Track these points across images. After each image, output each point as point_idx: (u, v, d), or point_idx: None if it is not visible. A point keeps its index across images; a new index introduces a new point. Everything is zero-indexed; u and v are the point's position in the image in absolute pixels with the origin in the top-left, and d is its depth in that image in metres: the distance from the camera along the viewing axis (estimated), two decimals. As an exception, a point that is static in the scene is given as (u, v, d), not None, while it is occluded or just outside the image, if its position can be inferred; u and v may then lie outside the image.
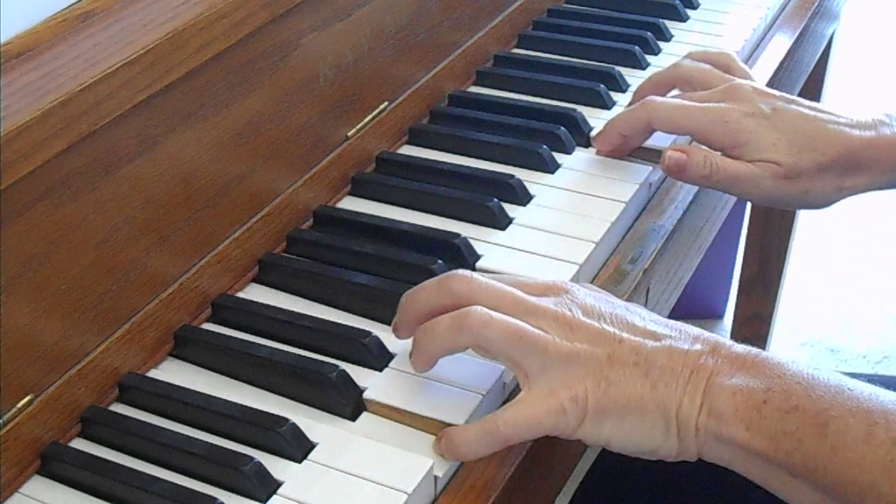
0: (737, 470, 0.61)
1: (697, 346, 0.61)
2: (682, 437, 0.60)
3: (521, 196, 0.83)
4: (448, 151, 0.91)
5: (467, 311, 0.61)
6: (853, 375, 0.78)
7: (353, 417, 0.66)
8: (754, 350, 0.61)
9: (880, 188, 0.81)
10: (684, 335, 0.62)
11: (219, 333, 0.72)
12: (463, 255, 0.77)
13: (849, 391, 0.58)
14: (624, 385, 0.60)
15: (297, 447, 0.63)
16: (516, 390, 0.63)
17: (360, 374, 0.68)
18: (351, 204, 0.85)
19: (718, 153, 0.80)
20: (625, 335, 0.62)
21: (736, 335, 1.66)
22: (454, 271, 0.65)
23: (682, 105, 0.81)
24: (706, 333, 0.63)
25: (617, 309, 0.64)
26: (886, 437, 0.56)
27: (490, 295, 0.63)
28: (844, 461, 0.56)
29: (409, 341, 0.66)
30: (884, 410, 0.57)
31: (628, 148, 0.86)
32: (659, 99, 0.82)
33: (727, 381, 0.59)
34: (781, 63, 1.04)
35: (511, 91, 0.99)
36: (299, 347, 0.71)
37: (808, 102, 0.81)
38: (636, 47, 1.02)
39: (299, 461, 0.62)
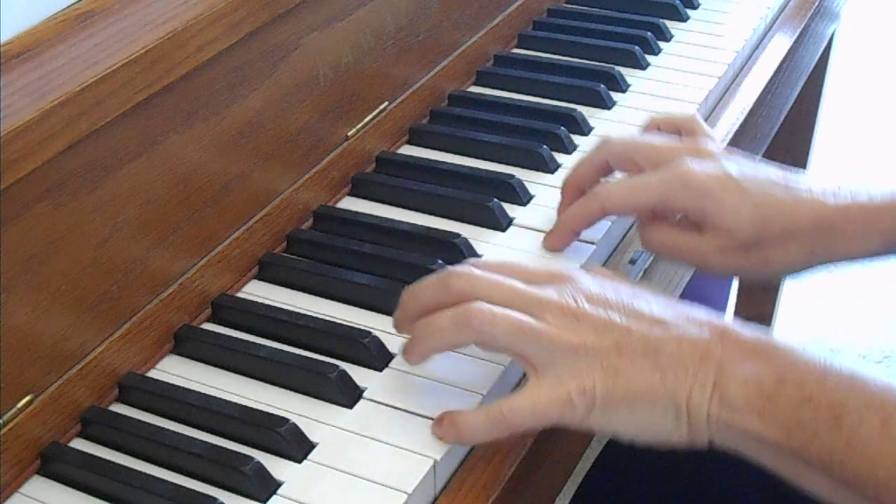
0: (749, 456, 0.60)
1: (706, 333, 0.60)
2: (692, 426, 0.60)
3: (521, 196, 0.83)
4: (448, 151, 0.91)
5: (468, 307, 0.61)
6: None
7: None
8: (764, 336, 0.60)
9: (855, 258, 0.73)
10: (692, 321, 0.61)
11: (219, 333, 0.72)
12: (463, 256, 0.77)
13: (862, 382, 0.57)
14: (633, 375, 0.60)
15: (297, 447, 0.63)
16: (520, 384, 0.63)
17: (360, 374, 0.68)
18: (351, 204, 0.85)
19: (672, 223, 0.75)
20: (632, 324, 0.61)
21: (736, 335, 1.65)
22: (455, 267, 0.65)
23: (635, 183, 0.74)
24: (715, 318, 0.62)
25: (623, 296, 0.63)
26: None
27: (491, 290, 0.62)
28: (861, 457, 0.56)
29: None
30: None
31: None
32: (609, 184, 0.75)
33: (738, 370, 0.59)
34: (781, 63, 1.04)
35: (511, 91, 0.99)
36: (299, 347, 0.71)
37: (776, 168, 0.74)
38: (636, 47, 1.02)
39: (299, 461, 0.62)
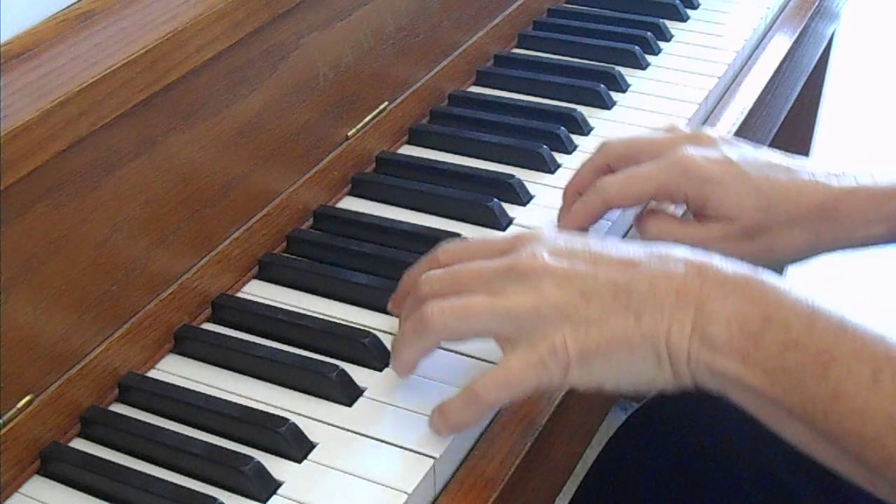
0: (732, 399, 0.57)
1: (681, 268, 0.57)
2: (675, 367, 0.57)
3: (521, 196, 0.83)
4: (448, 151, 0.91)
5: (421, 311, 0.61)
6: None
7: (353, 417, 0.66)
8: (747, 269, 0.57)
9: (859, 244, 0.72)
10: (665, 257, 0.58)
11: (219, 333, 0.72)
12: (463, 255, 0.77)
13: (852, 329, 0.54)
14: (606, 322, 0.57)
15: (297, 447, 0.63)
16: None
17: (360, 374, 0.68)
18: (351, 204, 0.85)
19: (670, 214, 0.74)
20: (599, 270, 0.58)
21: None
22: (417, 263, 0.65)
23: (633, 172, 0.72)
24: (693, 252, 0.59)
25: (590, 244, 0.60)
26: (893, 387, 0.52)
27: (443, 282, 0.61)
28: (846, 409, 0.53)
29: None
30: (889, 357, 0.53)
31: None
32: (609, 177, 0.73)
33: (719, 306, 0.55)
34: (781, 63, 1.04)
35: (511, 91, 0.99)
36: (299, 347, 0.71)
37: (777, 152, 0.74)
38: (636, 47, 1.02)
39: (299, 461, 0.62)
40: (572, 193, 0.77)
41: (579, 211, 0.75)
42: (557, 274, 0.58)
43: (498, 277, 0.60)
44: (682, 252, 0.59)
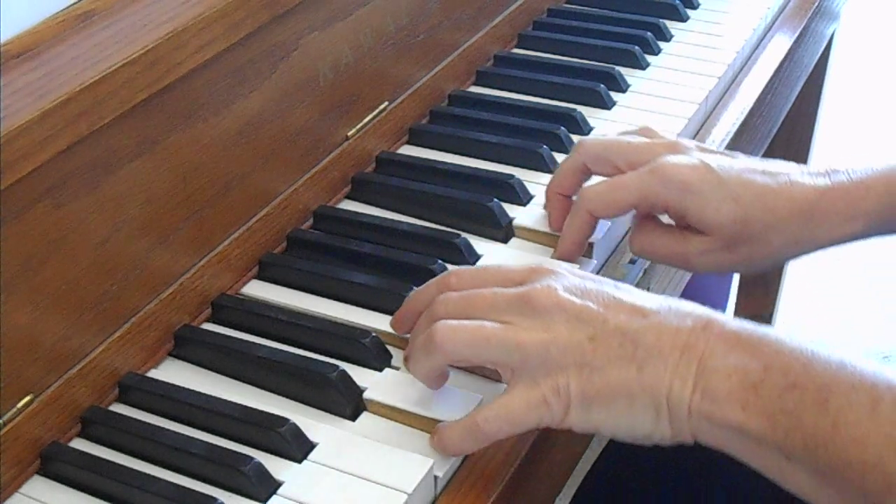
0: (732, 454, 0.58)
1: (688, 323, 0.58)
2: (674, 422, 0.57)
3: (521, 196, 0.83)
4: (448, 151, 0.91)
5: (432, 329, 0.61)
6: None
7: (353, 417, 0.66)
8: (750, 326, 0.58)
9: (840, 242, 0.73)
10: (675, 312, 0.59)
11: (219, 333, 0.72)
12: (463, 255, 0.77)
13: (851, 367, 0.55)
14: (609, 370, 0.57)
15: (298, 447, 0.63)
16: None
17: (360, 374, 0.68)
18: (351, 204, 0.85)
19: (658, 224, 0.75)
20: (609, 314, 0.58)
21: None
22: (430, 282, 0.66)
23: (614, 182, 0.73)
24: (700, 309, 0.59)
25: (604, 286, 0.61)
26: (893, 413, 0.53)
27: (459, 305, 0.62)
28: (847, 438, 0.53)
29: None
30: (889, 386, 0.53)
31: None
32: (590, 188, 0.74)
33: (721, 362, 0.56)
34: (781, 63, 1.04)
35: (511, 91, 0.99)
36: (299, 347, 0.71)
37: (755, 158, 0.73)
38: (636, 47, 1.02)
39: (299, 461, 0.62)
40: (553, 195, 0.78)
41: (571, 226, 0.75)
42: (569, 313, 0.59)
43: (511, 308, 0.60)
44: (690, 306, 0.59)
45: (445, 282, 0.65)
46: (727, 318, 0.59)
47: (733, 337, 0.57)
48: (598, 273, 0.78)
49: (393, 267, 0.76)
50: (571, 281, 0.61)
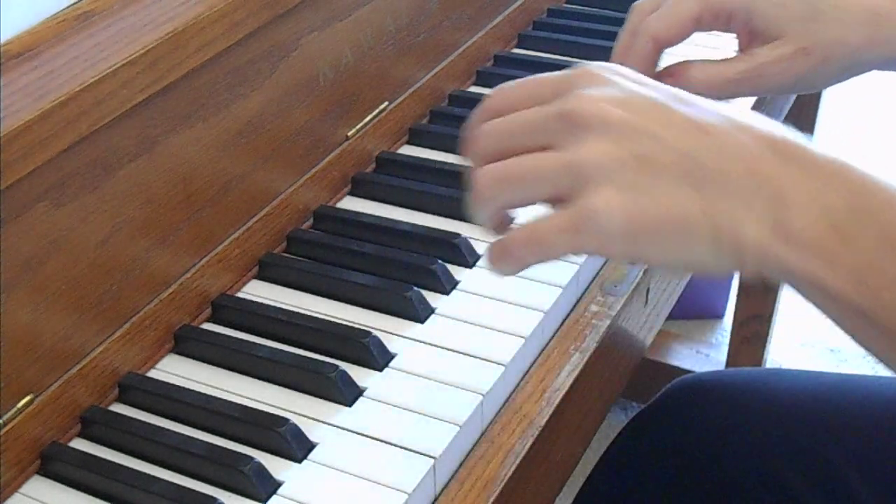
0: (802, 295, 0.50)
1: (762, 143, 0.49)
2: (737, 256, 0.49)
3: (522, 196, 0.83)
4: (448, 151, 0.91)
5: (474, 179, 0.55)
6: (855, 376, 0.77)
7: (353, 417, 0.66)
8: (832, 154, 0.50)
9: None
10: (744, 127, 0.50)
11: (219, 333, 0.72)
12: (463, 255, 0.77)
13: None
14: (660, 194, 0.49)
15: (298, 447, 0.63)
16: (516, 391, 0.63)
17: (360, 374, 0.68)
18: (351, 204, 0.85)
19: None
20: (664, 130, 0.50)
21: (735, 335, 1.66)
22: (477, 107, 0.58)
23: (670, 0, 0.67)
24: (775, 125, 0.51)
25: (659, 94, 0.52)
26: None
27: (491, 139, 0.56)
28: None
29: (408, 348, 0.66)
30: None
31: None
32: (650, 16, 0.68)
33: (801, 194, 0.48)
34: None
35: (511, 91, 0.99)
36: (299, 347, 0.71)
37: None
38: (636, 47, 1.02)
39: (299, 461, 0.62)
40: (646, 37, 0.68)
41: (634, 61, 0.67)
42: (612, 125, 0.51)
43: (547, 128, 0.53)
44: (762, 122, 0.51)
45: (489, 106, 0.60)
46: (807, 140, 0.51)
47: (815, 164, 0.49)
48: (597, 273, 0.78)
49: (393, 267, 0.76)
50: (624, 86, 0.53)
